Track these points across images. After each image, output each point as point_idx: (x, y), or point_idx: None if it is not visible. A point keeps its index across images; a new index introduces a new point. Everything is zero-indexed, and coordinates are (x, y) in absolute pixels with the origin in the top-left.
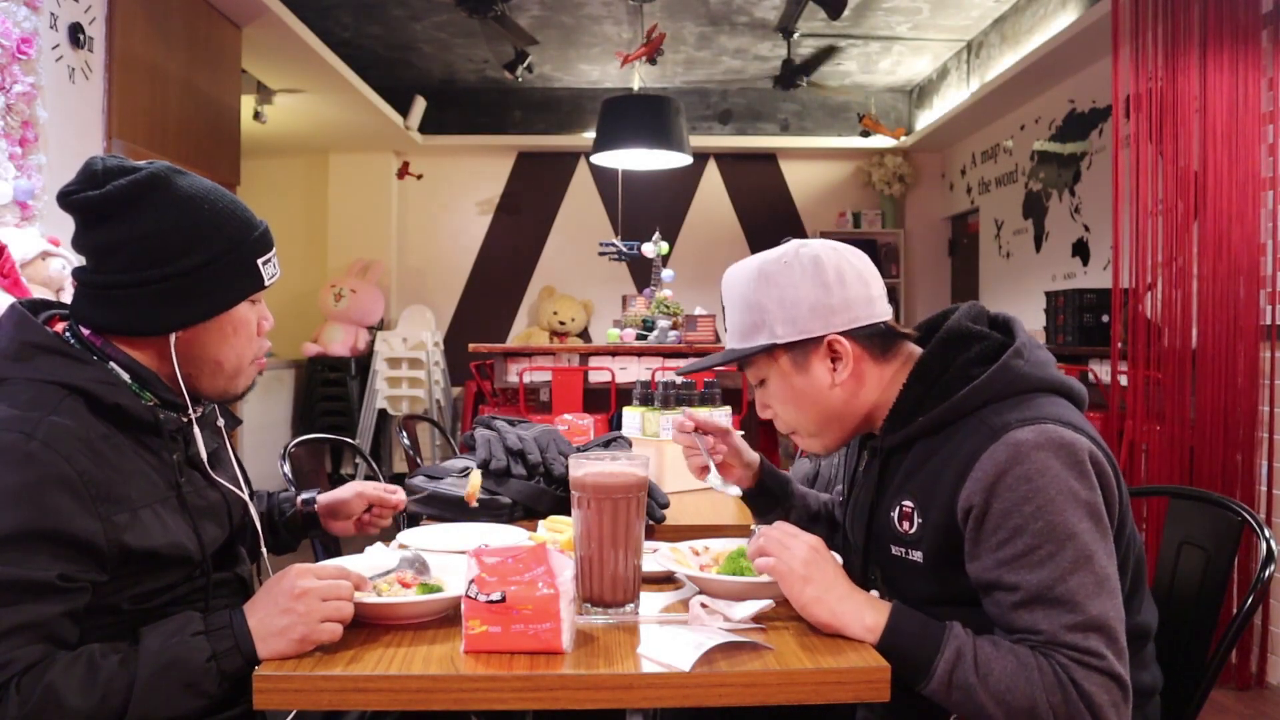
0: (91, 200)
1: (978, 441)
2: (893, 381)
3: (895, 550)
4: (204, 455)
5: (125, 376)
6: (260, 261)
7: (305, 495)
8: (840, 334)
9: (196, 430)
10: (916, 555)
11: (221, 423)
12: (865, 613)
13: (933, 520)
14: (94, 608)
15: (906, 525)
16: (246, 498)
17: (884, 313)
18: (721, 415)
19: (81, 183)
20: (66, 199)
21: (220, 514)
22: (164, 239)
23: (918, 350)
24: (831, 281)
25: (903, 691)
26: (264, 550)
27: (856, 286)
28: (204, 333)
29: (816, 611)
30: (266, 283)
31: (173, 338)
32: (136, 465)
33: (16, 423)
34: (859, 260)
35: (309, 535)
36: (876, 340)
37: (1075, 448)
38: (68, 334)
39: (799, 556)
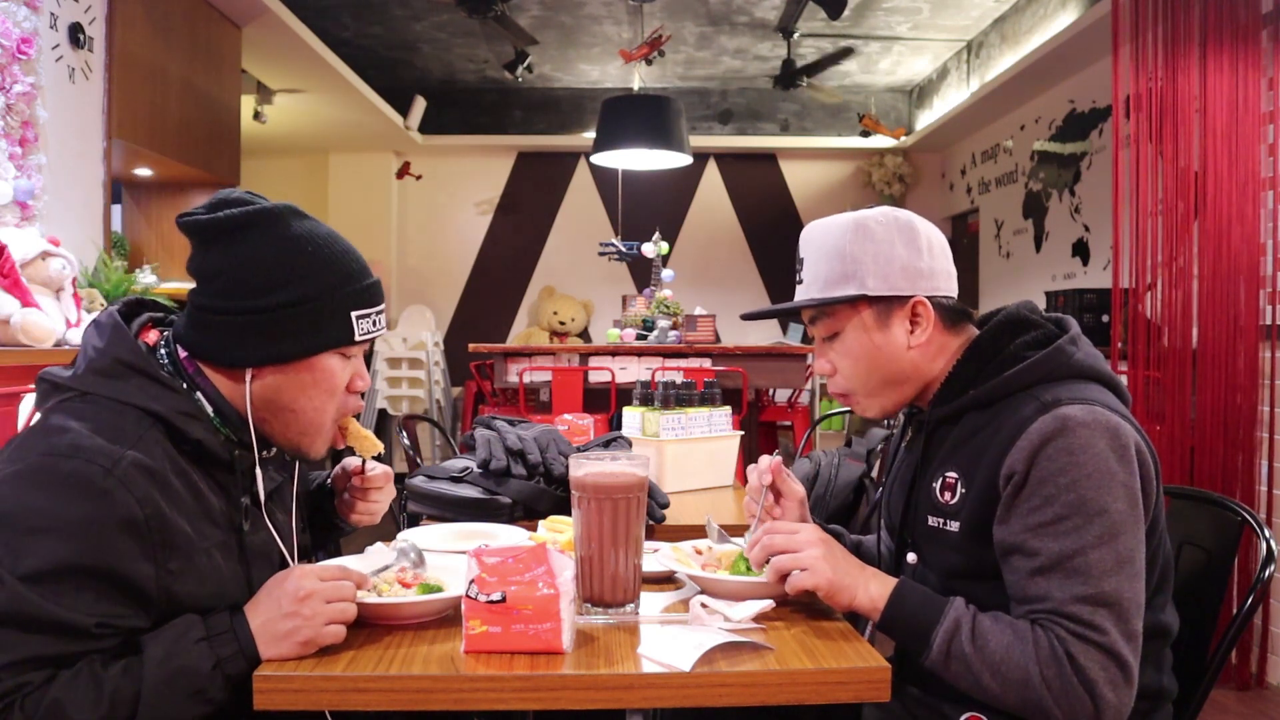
0: (201, 223)
1: (1028, 413)
2: (952, 357)
3: (933, 521)
4: (262, 495)
5: (209, 409)
6: (356, 315)
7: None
8: (925, 298)
9: (259, 473)
10: (953, 526)
11: (295, 462)
12: (871, 585)
13: (975, 490)
14: (128, 642)
15: (948, 496)
16: (302, 542)
17: (955, 290)
18: (798, 484)
19: (203, 208)
20: (181, 219)
21: (273, 554)
22: (259, 271)
23: (976, 333)
24: (923, 247)
25: (904, 694)
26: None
27: (941, 258)
28: (283, 376)
29: (841, 599)
30: (358, 337)
31: (249, 375)
32: (207, 503)
33: (98, 454)
34: (942, 237)
35: (334, 529)
36: (950, 313)
37: (1121, 433)
38: (162, 349)
39: (811, 539)
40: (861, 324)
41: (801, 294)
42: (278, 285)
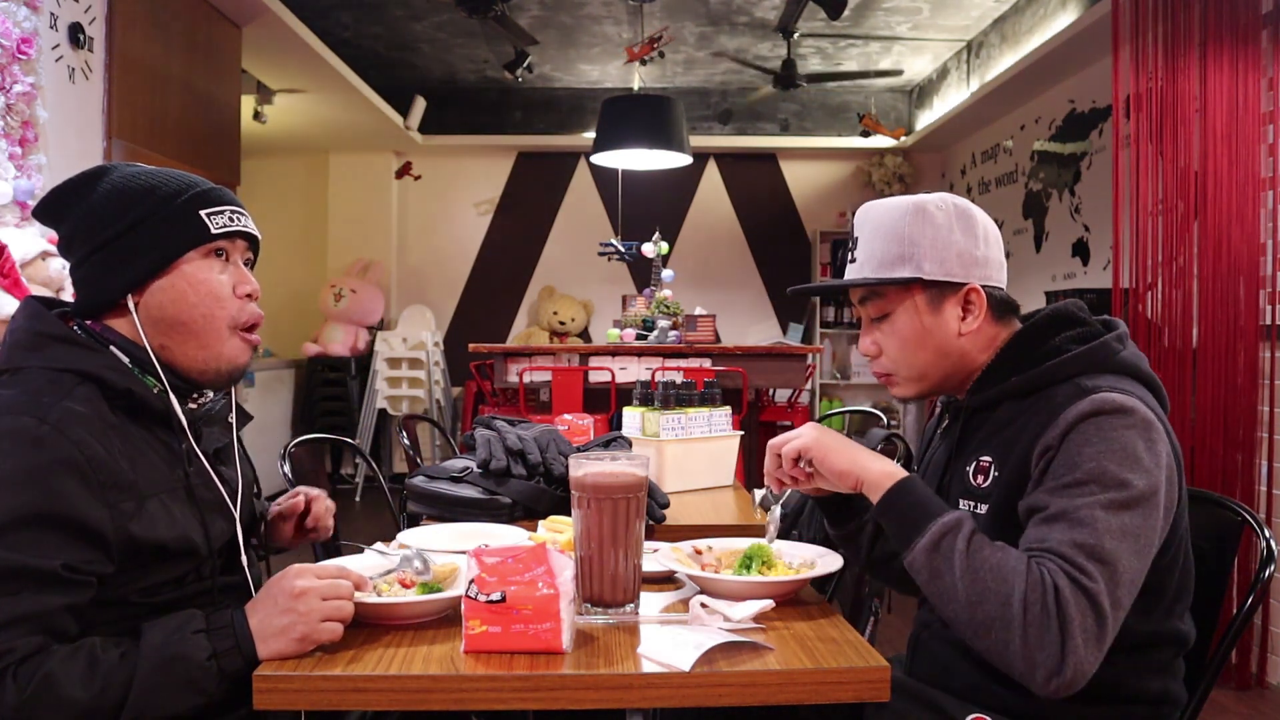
0: (42, 205)
1: (1068, 397)
2: (997, 348)
3: (964, 504)
4: (198, 450)
5: (126, 360)
6: (205, 213)
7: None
8: (979, 286)
9: (178, 410)
10: (983, 508)
11: (233, 418)
12: (884, 463)
13: (1009, 471)
14: (102, 600)
15: (981, 479)
16: (249, 493)
17: (1005, 281)
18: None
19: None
20: (34, 214)
21: (226, 509)
22: (101, 211)
23: (1020, 326)
24: (980, 235)
25: (906, 694)
26: (243, 554)
27: (996, 249)
28: (161, 293)
29: (836, 460)
30: (214, 231)
31: (131, 304)
32: (145, 454)
33: (30, 407)
34: (996, 228)
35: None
36: (1000, 304)
37: (1154, 429)
38: (75, 327)
39: (808, 428)
40: (914, 307)
41: (854, 272)
42: (121, 212)
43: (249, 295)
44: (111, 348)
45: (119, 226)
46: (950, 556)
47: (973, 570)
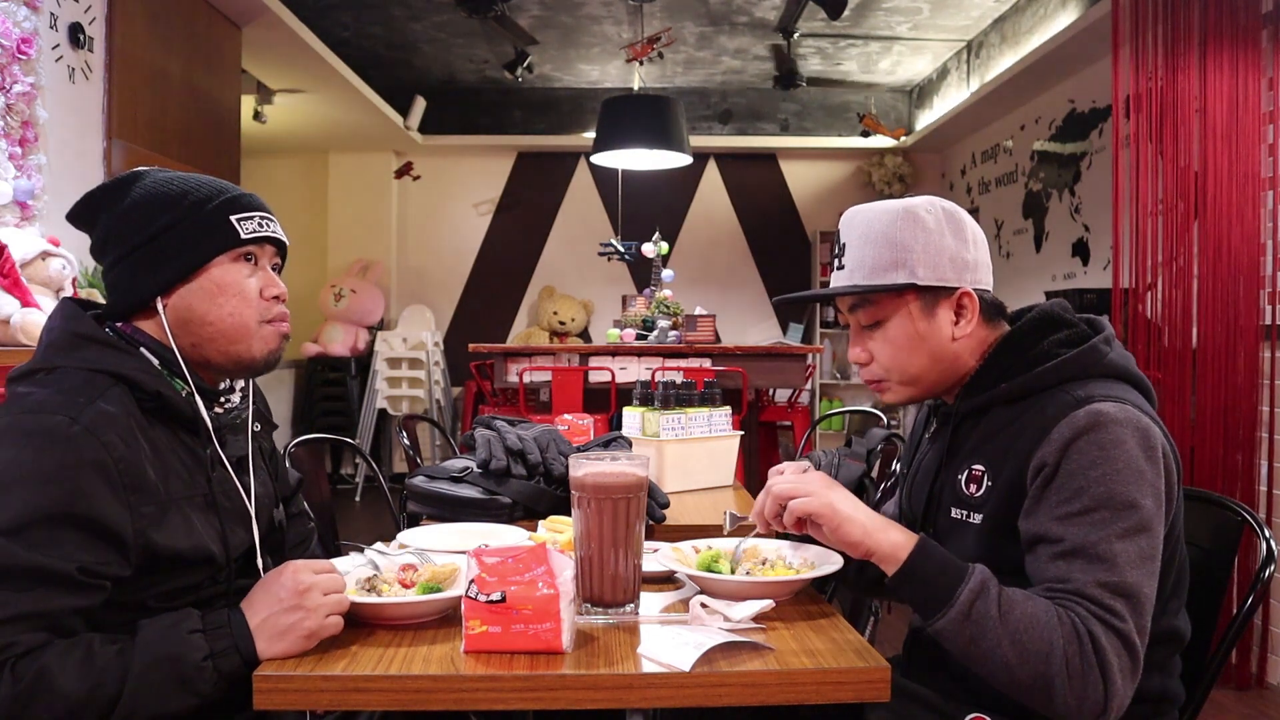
0: (76, 209)
1: (1060, 409)
2: (986, 351)
3: (956, 513)
4: (222, 455)
5: (156, 363)
6: (235, 218)
7: None
8: (971, 290)
9: (205, 414)
10: (976, 518)
11: (258, 427)
12: (892, 532)
13: (1002, 483)
14: (118, 603)
15: (974, 488)
16: (270, 501)
17: (992, 284)
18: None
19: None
20: (66, 218)
21: (246, 518)
22: (134, 215)
23: (1009, 328)
24: (970, 238)
25: (906, 694)
26: (259, 558)
27: (984, 251)
28: (189, 296)
29: (850, 530)
30: (243, 236)
31: (160, 306)
32: (171, 461)
33: (63, 406)
34: (981, 230)
35: None
36: (989, 307)
37: (1150, 434)
38: (107, 329)
39: (818, 482)
40: (908, 313)
41: (843, 279)
42: (153, 217)
43: (276, 297)
44: (142, 349)
45: (151, 230)
46: (984, 624)
47: (1010, 633)
